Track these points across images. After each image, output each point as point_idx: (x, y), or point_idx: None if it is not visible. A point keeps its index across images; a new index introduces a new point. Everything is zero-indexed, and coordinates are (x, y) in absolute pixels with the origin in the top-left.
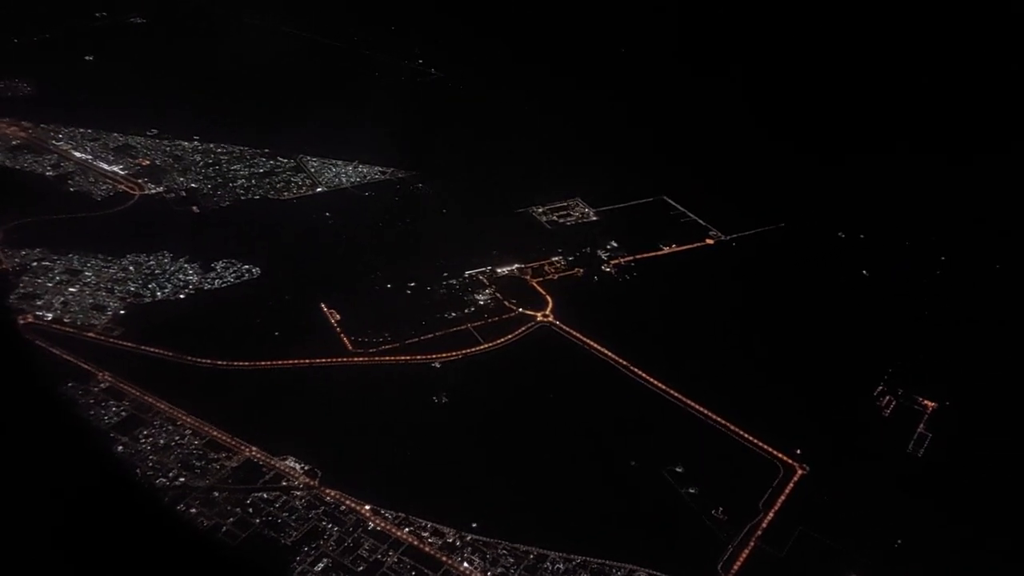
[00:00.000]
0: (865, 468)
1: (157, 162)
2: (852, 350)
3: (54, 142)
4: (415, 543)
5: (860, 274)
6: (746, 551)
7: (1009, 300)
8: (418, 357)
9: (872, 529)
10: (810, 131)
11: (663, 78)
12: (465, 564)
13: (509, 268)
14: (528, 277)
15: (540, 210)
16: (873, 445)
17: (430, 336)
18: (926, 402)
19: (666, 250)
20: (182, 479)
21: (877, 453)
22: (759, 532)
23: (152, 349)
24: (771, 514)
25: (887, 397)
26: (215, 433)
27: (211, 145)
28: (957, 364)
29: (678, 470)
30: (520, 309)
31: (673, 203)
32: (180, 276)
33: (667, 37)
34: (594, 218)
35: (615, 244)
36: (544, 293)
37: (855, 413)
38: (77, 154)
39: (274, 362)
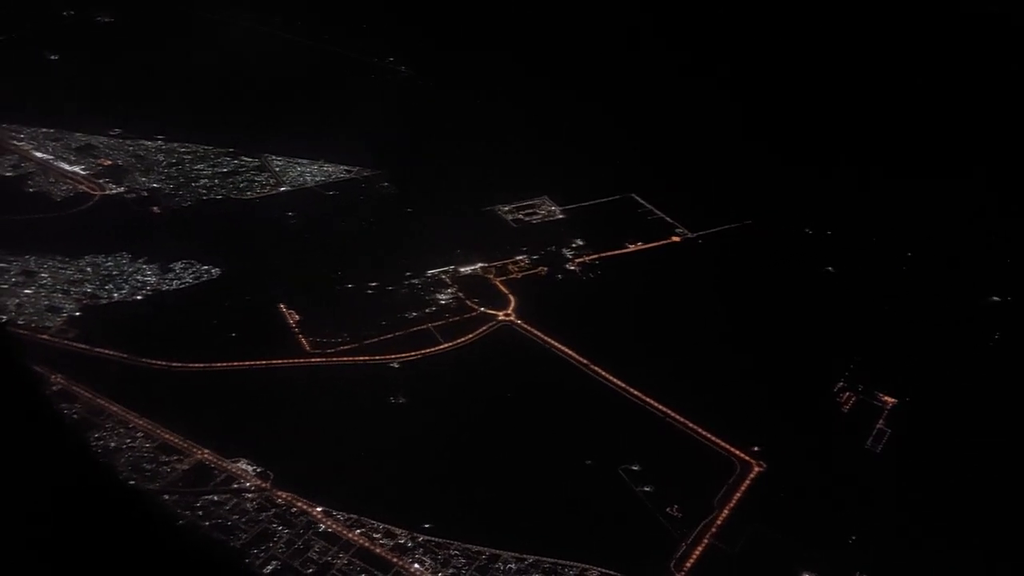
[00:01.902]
0: (822, 464)
1: (119, 162)
2: (814, 346)
3: (15, 142)
4: (366, 544)
5: (826, 271)
6: (699, 548)
7: (973, 298)
8: (376, 357)
9: (828, 526)
10: (781, 130)
11: (635, 76)
12: (416, 565)
13: (472, 267)
14: (491, 276)
15: (506, 208)
16: (831, 441)
17: (390, 336)
18: (886, 398)
19: (632, 248)
20: (131, 482)
21: (835, 449)
22: (713, 529)
23: (106, 351)
24: (726, 511)
25: (847, 393)
26: (167, 436)
27: (175, 145)
28: (919, 361)
29: (634, 468)
30: (482, 308)
31: (641, 201)
32: (138, 277)
33: (640, 35)
34: (560, 216)
35: (581, 242)
36: (507, 292)
37: (814, 409)
38: (38, 154)
39: (229, 363)
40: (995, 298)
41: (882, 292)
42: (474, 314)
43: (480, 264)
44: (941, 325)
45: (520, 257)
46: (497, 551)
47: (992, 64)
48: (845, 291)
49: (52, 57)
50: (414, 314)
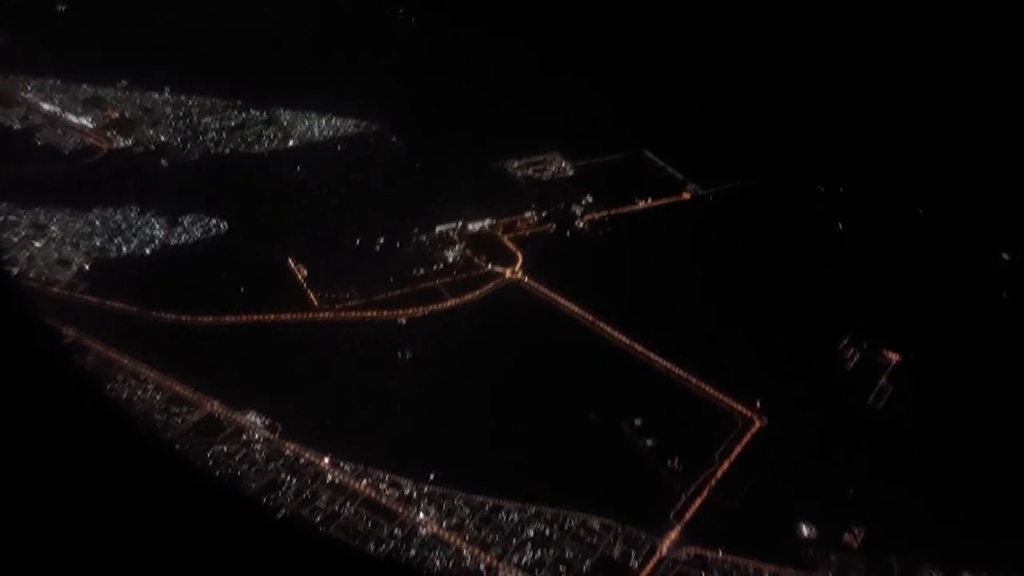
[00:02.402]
0: (824, 420)
1: (127, 115)
2: (821, 303)
3: (22, 94)
4: (372, 495)
5: (836, 228)
6: (699, 500)
7: (984, 255)
8: (384, 313)
9: (827, 480)
10: (795, 88)
11: (653, 32)
12: (421, 515)
13: (480, 224)
14: (499, 233)
15: (516, 164)
16: (834, 398)
17: (397, 293)
18: (890, 355)
19: (642, 205)
20: (144, 433)
21: (837, 405)
22: (713, 482)
23: (117, 304)
24: (726, 465)
25: (852, 350)
26: (178, 388)
27: (182, 97)
28: (925, 319)
29: (636, 422)
30: (489, 266)
31: (652, 157)
32: (146, 231)
33: None
34: (571, 172)
35: (590, 199)
36: (515, 249)
37: (819, 366)
38: (45, 106)
39: (239, 317)
40: (1005, 256)
41: (892, 249)
42: (481, 271)
43: (488, 221)
44: (950, 283)
45: (529, 214)
46: (500, 501)
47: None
48: (855, 248)
49: (60, 7)
50: (422, 271)
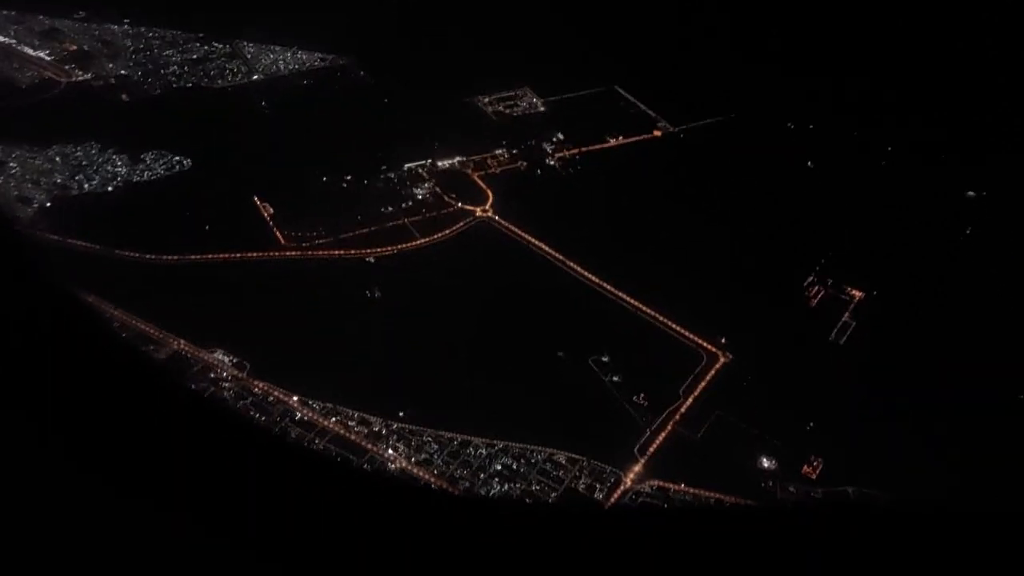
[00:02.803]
0: (787, 356)
1: (85, 47)
2: (788, 241)
3: None
4: (341, 432)
5: (806, 165)
6: (663, 434)
7: (949, 192)
8: (352, 252)
9: (787, 414)
10: (767, 26)
11: None
12: (390, 451)
13: (450, 161)
14: (470, 171)
15: (486, 100)
16: (797, 334)
17: (366, 231)
18: (853, 292)
19: (612, 142)
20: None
21: (800, 341)
22: (677, 417)
23: (79, 242)
24: (690, 400)
25: (816, 287)
26: (142, 327)
27: (142, 29)
28: (890, 255)
29: (604, 359)
30: (459, 204)
31: (624, 93)
32: (108, 168)
33: None
34: (542, 109)
35: (561, 136)
36: (485, 187)
37: (783, 303)
38: (0, 38)
39: (204, 256)
40: (970, 193)
41: (860, 187)
42: (451, 209)
43: (459, 158)
44: (916, 220)
45: (499, 151)
46: (469, 437)
47: None
48: (823, 186)
49: None
50: (390, 208)
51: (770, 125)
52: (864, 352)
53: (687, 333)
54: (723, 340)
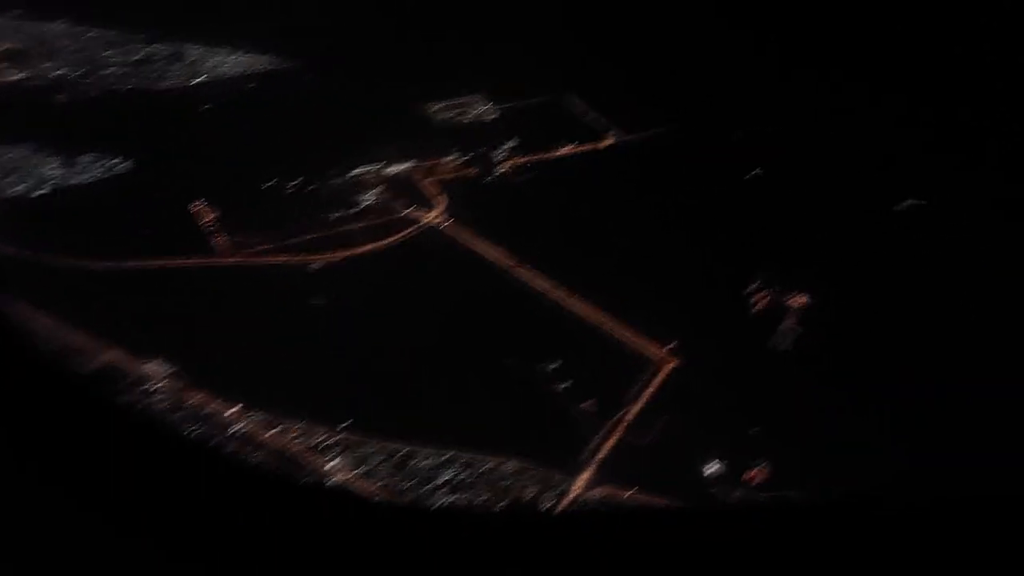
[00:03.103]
0: (733, 360)
1: (20, 45)
2: (735, 247)
3: None
4: (281, 444)
5: (754, 174)
6: (611, 441)
7: (893, 200)
8: (296, 258)
9: (734, 418)
10: (718, 36)
11: None
12: (332, 463)
13: (399, 167)
14: (419, 177)
15: (437, 106)
16: (744, 339)
17: (310, 237)
18: (798, 298)
19: (564, 150)
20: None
21: (746, 346)
22: (625, 423)
23: (8, 248)
24: (639, 406)
25: (762, 292)
26: (74, 336)
27: (82, 28)
28: (832, 262)
29: (552, 366)
30: (408, 210)
31: (576, 101)
32: (41, 170)
33: None
34: (493, 116)
35: (513, 143)
36: (435, 193)
37: (730, 308)
38: None
39: (141, 262)
40: (911, 201)
41: (806, 194)
42: (399, 215)
43: (408, 163)
44: (860, 227)
45: (449, 157)
46: (414, 448)
47: None
48: (770, 194)
49: None
50: (337, 214)
51: (718, 134)
52: (809, 357)
53: (636, 339)
54: (672, 345)
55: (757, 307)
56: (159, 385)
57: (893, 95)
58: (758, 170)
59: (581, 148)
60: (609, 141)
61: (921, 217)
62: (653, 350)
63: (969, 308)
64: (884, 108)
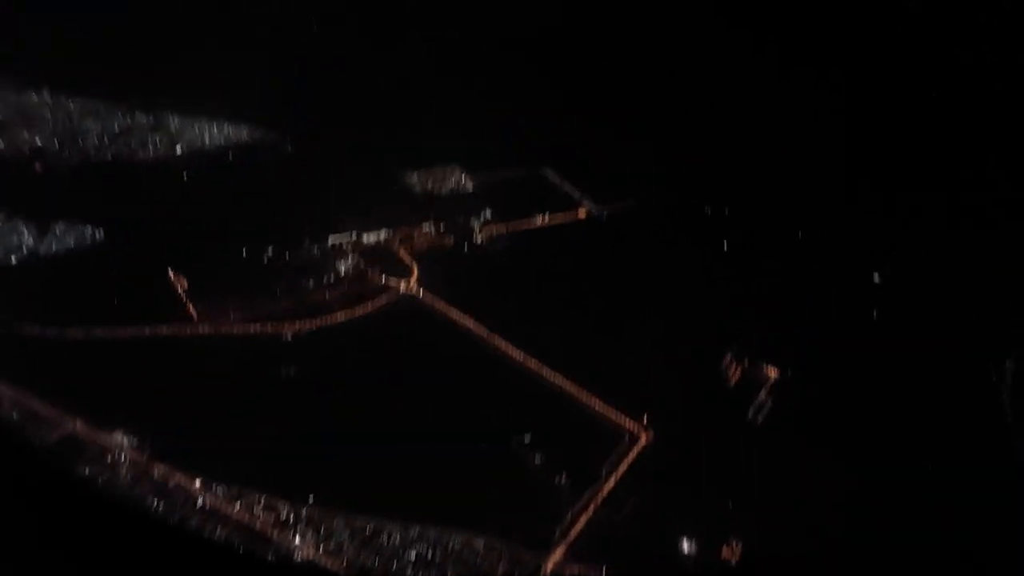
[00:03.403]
0: (707, 435)
1: (0, 116)
2: (707, 321)
3: None
4: (246, 518)
5: (721, 247)
6: (585, 517)
7: (857, 276)
8: (268, 327)
9: (708, 494)
10: (689, 112)
11: (561, 42)
12: (297, 539)
13: (376, 235)
14: (395, 245)
15: (415, 177)
16: (717, 412)
17: (284, 306)
18: (769, 371)
19: (539, 221)
20: None
21: (719, 420)
22: (599, 499)
23: None
24: (612, 481)
25: (734, 366)
26: (37, 406)
27: (63, 99)
28: (802, 336)
29: (525, 439)
30: (383, 279)
31: (552, 174)
32: (13, 238)
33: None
34: (470, 187)
35: (489, 213)
36: (410, 262)
37: (703, 381)
38: None
39: (110, 331)
40: (876, 278)
41: (773, 270)
42: (374, 284)
43: (384, 232)
44: (826, 302)
45: (426, 226)
46: (382, 523)
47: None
48: (739, 268)
49: None
50: (311, 283)
51: (689, 208)
52: (781, 432)
53: (610, 412)
54: (645, 419)
55: (731, 379)
56: (122, 457)
57: (867, 171)
58: (725, 243)
59: (556, 219)
60: (583, 213)
61: (894, 290)
62: (627, 423)
63: (944, 382)
64: (857, 183)
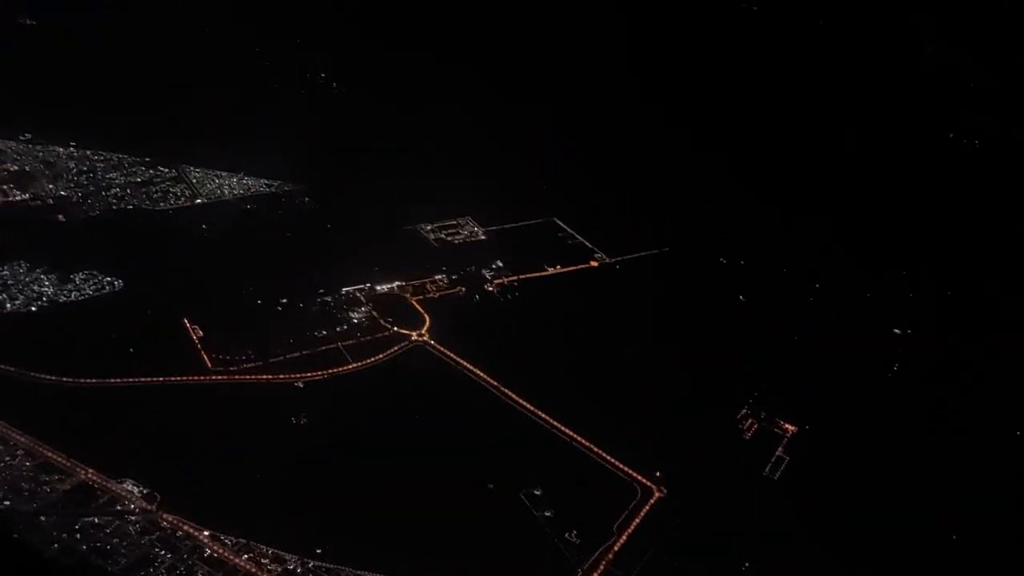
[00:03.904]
0: (721, 491)
1: (27, 168)
2: (721, 373)
3: None
4: (253, 570)
5: (737, 299)
6: (596, 574)
7: (876, 330)
8: (280, 376)
9: (723, 552)
10: (703, 163)
11: (572, 98)
12: None
13: (389, 286)
14: (408, 295)
15: (428, 227)
16: (732, 468)
17: (297, 355)
18: (787, 426)
19: (550, 271)
20: (7, 503)
21: (734, 476)
22: (611, 555)
23: None
24: (624, 537)
25: (750, 420)
26: (50, 454)
27: (88, 152)
28: (820, 391)
29: (536, 492)
30: (395, 328)
31: (563, 225)
32: (34, 287)
33: (582, 58)
34: (483, 237)
35: (500, 264)
36: (422, 312)
37: (718, 436)
38: None
39: (125, 379)
40: (896, 331)
41: (789, 322)
42: (386, 333)
43: (397, 282)
44: (844, 356)
45: (439, 276)
46: None
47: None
48: (754, 320)
49: None
50: (324, 332)
51: (703, 259)
52: (798, 488)
53: (621, 466)
54: (657, 474)
55: (746, 434)
56: (132, 506)
57: (870, 231)
58: (741, 297)
59: (568, 270)
60: (595, 263)
61: (904, 346)
62: (639, 478)
63: (970, 442)
64: (868, 249)
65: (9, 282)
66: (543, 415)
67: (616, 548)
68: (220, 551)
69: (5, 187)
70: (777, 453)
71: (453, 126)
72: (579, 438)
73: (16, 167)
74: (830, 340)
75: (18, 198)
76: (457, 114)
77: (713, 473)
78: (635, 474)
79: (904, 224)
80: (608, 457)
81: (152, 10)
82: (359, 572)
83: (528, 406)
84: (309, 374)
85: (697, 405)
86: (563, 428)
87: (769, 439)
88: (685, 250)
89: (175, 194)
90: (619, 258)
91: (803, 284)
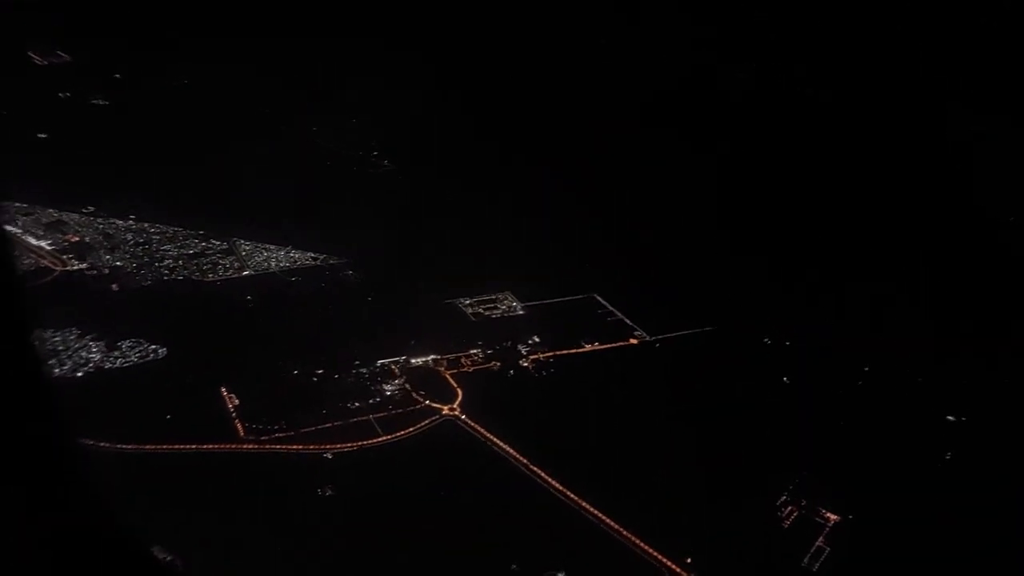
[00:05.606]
0: None
1: (87, 239)
2: (762, 457)
3: None
4: None
5: (781, 381)
6: None
7: (928, 416)
8: (310, 447)
9: None
10: (748, 239)
11: (612, 173)
12: None
13: (424, 359)
14: (442, 369)
15: (467, 301)
16: (768, 557)
17: (328, 425)
18: (829, 515)
19: (588, 348)
20: None
21: (770, 566)
22: None
23: None
24: None
25: (790, 507)
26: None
27: (145, 224)
28: (867, 479)
29: (560, 575)
30: (427, 401)
31: (603, 301)
32: (83, 353)
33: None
34: (521, 312)
35: (537, 339)
36: (456, 386)
37: (754, 522)
38: (8, 229)
39: (158, 446)
40: (950, 418)
41: (836, 406)
42: (418, 407)
43: (432, 356)
44: (893, 443)
45: (474, 351)
46: None
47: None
48: (799, 403)
49: (41, 135)
50: (356, 404)
51: (746, 339)
52: None
53: (651, 550)
54: (688, 560)
55: (785, 522)
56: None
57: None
58: (785, 378)
59: (605, 347)
60: (634, 341)
61: (961, 434)
62: (670, 564)
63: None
64: (915, 323)
65: (60, 348)
66: (572, 495)
67: None
68: None
69: (65, 256)
70: (817, 543)
71: (498, 203)
72: (608, 520)
73: (77, 238)
74: (878, 425)
75: (76, 267)
76: (501, 190)
77: (747, 562)
78: (665, 559)
79: (958, 307)
80: (637, 541)
81: (214, 90)
82: None
83: (557, 485)
84: (339, 445)
85: (734, 489)
86: (592, 509)
87: (809, 528)
88: (728, 329)
89: (224, 266)
90: (660, 336)
91: (852, 367)
